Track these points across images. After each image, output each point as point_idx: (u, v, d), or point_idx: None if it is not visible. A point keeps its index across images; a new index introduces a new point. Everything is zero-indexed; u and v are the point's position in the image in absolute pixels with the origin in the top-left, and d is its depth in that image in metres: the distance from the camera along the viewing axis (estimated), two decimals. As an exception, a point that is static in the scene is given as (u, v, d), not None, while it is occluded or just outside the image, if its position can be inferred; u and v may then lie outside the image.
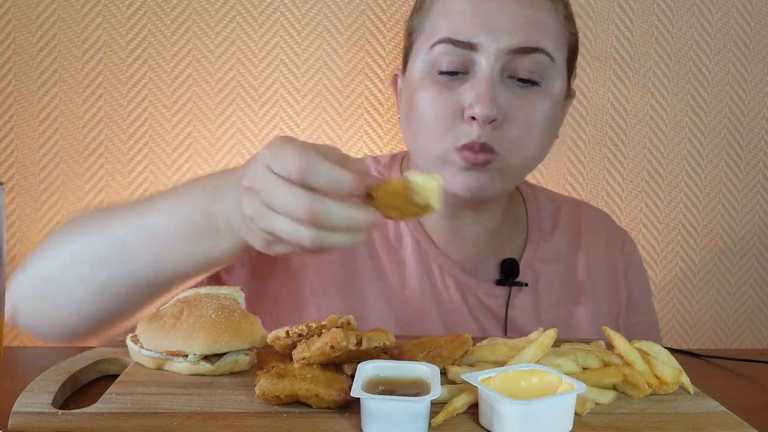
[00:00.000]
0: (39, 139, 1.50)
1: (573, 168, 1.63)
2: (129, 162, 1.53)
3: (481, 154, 0.93)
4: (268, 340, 0.73)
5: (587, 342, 0.85)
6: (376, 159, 1.15)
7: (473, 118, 0.92)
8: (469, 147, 0.93)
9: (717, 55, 1.64)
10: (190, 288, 0.83)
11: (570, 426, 0.62)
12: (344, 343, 0.66)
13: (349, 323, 0.70)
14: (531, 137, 0.95)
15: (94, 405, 0.65)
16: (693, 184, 1.67)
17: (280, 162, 0.63)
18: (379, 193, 0.64)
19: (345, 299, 1.04)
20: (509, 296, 1.06)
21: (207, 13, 1.52)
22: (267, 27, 1.53)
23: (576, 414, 0.64)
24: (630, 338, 1.11)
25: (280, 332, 0.70)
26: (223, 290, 0.80)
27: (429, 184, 0.63)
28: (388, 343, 0.69)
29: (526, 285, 1.07)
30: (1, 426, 0.63)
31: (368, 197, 0.65)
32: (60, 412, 0.64)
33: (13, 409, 0.64)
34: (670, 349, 0.79)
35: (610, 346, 0.80)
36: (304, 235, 0.63)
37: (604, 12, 1.60)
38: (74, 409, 0.64)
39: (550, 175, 1.63)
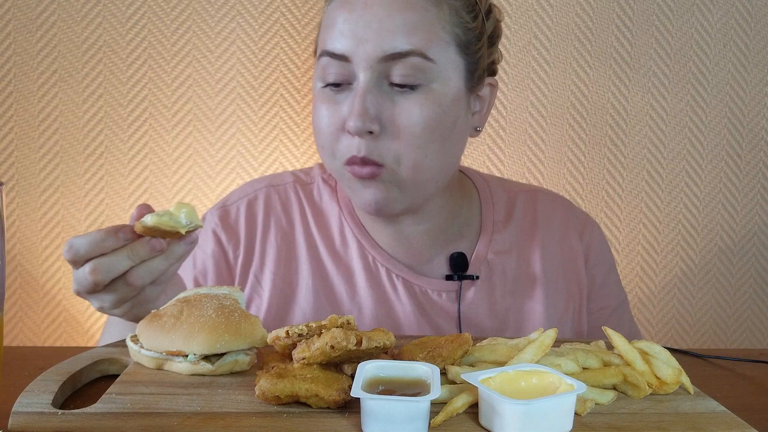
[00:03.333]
0: (39, 139, 1.50)
1: (573, 168, 1.63)
2: (129, 162, 1.53)
3: (365, 168, 0.94)
4: (268, 340, 0.72)
5: (587, 342, 0.85)
6: (321, 166, 1.16)
7: (349, 132, 0.93)
8: (351, 161, 0.94)
9: (717, 55, 1.64)
10: (190, 288, 0.83)
11: (570, 426, 0.62)
12: (344, 343, 0.66)
13: (349, 323, 0.70)
14: (414, 144, 0.94)
15: (94, 405, 0.65)
16: (693, 184, 1.67)
17: (67, 258, 0.79)
18: (140, 232, 0.77)
19: (293, 312, 1.05)
20: (460, 290, 1.06)
21: (207, 13, 1.52)
22: (267, 27, 1.53)
23: (576, 414, 0.64)
24: (597, 323, 1.12)
25: (280, 332, 0.70)
26: (223, 290, 0.80)
27: (162, 221, 0.75)
28: (388, 343, 0.69)
29: (477, 278, 1.07)
30: (1, 426, 0.63)
31: (141, 235, 0.79)
32: (60, 412, 0.64)
33: (13, 409, 0.64)
34: (670, 349, 0.79)
35: (610, 346, 0.80)
36: (96, 288, 0.79)
37: (604, 12, 1.60)
38: (74, 409, 0.64)
39: (550, 176, 1.63)
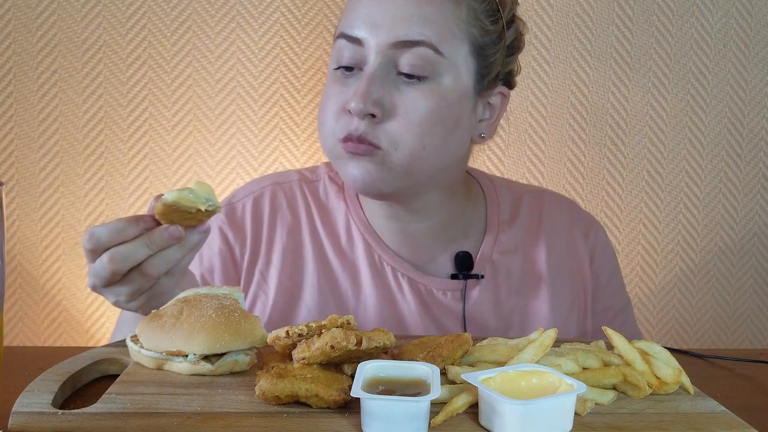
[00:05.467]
0: (39, 139, 1.50)
1: (573, 168, 1.63)
2: (129, 162, 1.53)
3: (361, 145, 0.95)
4: (268, 340, 0.72)
5: (587, 342, 0.85)
6: (328, 164, 1.16)
7: (351, 112, 0.94)
8: (347, 138, 0.95)
9: (717, 55, 1.64)
10: (190, 288, 0.83)
11: (570, 426, 0.62)
12: (344, 343, 0.66)
13: (348, 323, 0.70)
14: (413, 133, 0.94)
15: (94, 405, 0.65)
16: (693, 184, 1.67)
17: (84, 249, 0.80)
18: (159, 216, 0.78)
19: (299, 309, 1.05)
20: (465, 290, 1.06)
21: (207, 13, 1.52)
22: (267, 27, 1.53)
23: (576, 414, 0.64)
24: (601, 324, 1.12)
25: (280, 332, 0.70)
26: (223, 290, 0.80)
27: (183, 196, 0.76)
28: (388, 342, 0.69)
29: (482, 277, 1.07)
30: (1, 426, 0.63)
31: (159, 222, 0.79)
32: (60, 412, 0.64)
33: (13, 409, 0.64)
34: (670, 349, 0.79)
35: (610, 346, 0.80)
36: (114, 278, 0.80)
37: (604, 12, 1.60)
38: (74, 409, 0.64)
39: (550, 176, 1.63)
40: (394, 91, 0.94)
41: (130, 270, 0.79)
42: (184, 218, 0.79)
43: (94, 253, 0.79)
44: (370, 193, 1.00)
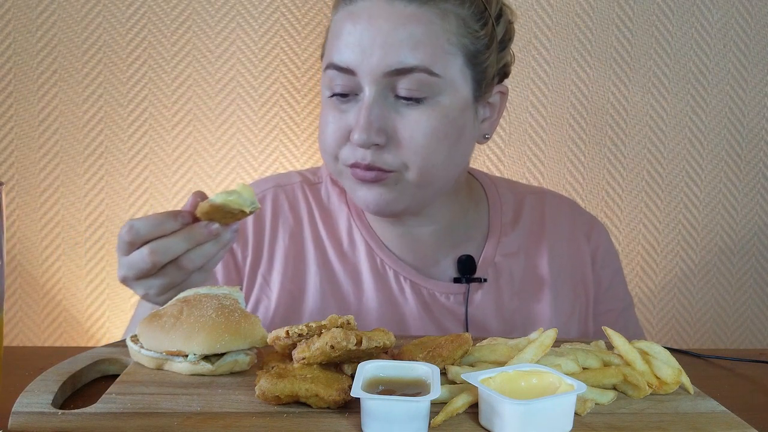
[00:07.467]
0: (39, 139, 1.50)
1: (573, 168, 1.63)
2: (129, 162, 1.53)
3: (369, 172, 0.95)
4: (268, 340, 0.72)
5: (587, 342, 0.85)
6: None
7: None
8: (355, 165, 0.96)
9: (717, 55, 1.64)
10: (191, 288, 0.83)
11: (570, 426, 0.62)
12: (344, 343, 0.66)
13: (348, 323, 0.70)
14: (420, 155, 0.94)
15: (94, 405, 0.65)
16: (693, 184, 1.67)
17: (119, 241, 0.82)
18: (201, 214, 0.81)
19: (301, 312, 1.05)
20: (467, 293, 1.06)
21: (207, 13, 1.52)
22: (267, 27, 1.53)
23: (576, 414, 0.64)
24: (603, 325, 1.11)
25: (280, 332, 0.70)
26: (223, 290, 0.80)
27: (231, 200, 0.79)
28: (388, 342, 0.69)
29: (485, 280, 1.07)
30: (1, 426, 0.63)
31: (198, 219, 0.82)
32: (60, 412, 0.64)
33: (13, 409, 0.64)
34: (670, 349, 0.79)
35: (610, 346, 0.80)
36: (153, 269, 0.81)
37: (604, 12, 1.61)
38: (74, 409, 0.64)
39: (550, 176, 1.63)
40: (395, 115, 0.94)
41: (166, 263, 0.81)
42: (224, 217, 0.81)
43: (132, 245, 0.81)
44: (384, 214, 1.01)
